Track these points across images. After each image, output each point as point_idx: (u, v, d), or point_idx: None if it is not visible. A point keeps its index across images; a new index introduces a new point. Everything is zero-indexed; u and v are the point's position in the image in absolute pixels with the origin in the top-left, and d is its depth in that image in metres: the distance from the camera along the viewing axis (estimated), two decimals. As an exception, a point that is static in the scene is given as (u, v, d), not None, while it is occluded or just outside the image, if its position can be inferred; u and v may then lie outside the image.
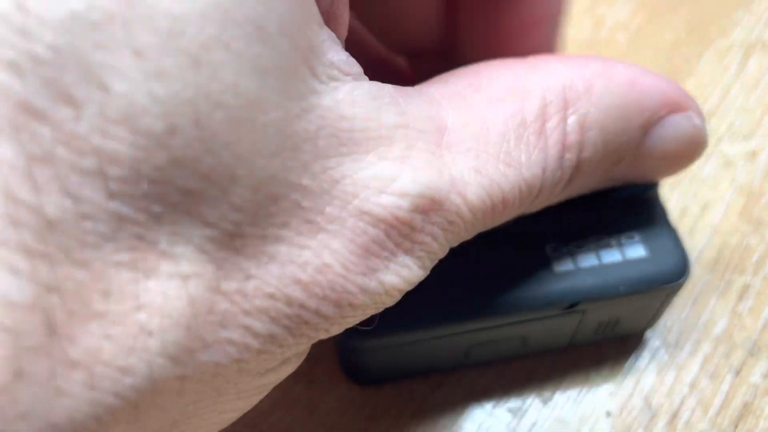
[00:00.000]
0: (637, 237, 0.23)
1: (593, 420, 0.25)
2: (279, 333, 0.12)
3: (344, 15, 0.14)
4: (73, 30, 0.09)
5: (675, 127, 0.19)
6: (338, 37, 0.14)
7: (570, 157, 0.17)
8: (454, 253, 0.23)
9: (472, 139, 0.15)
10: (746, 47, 0.34)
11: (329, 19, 0.14)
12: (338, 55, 0.13)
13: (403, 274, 0.14)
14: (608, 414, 0.25)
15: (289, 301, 0.12)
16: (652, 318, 0.25)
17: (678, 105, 0.19)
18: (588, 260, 0.22)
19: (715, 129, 0.32)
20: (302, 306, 0.13)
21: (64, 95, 0.09)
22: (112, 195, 0.09)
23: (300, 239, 0.12)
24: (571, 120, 0.17)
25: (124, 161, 0.09)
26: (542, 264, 0.22)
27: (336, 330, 0.14)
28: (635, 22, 0.36)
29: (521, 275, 0.22)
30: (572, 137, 0.17)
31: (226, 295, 0.11)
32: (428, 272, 0.16)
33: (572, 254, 0.23)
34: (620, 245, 0.23)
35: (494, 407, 0.25)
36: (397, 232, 0.14)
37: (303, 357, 0.16)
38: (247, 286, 0.11)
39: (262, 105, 0.11)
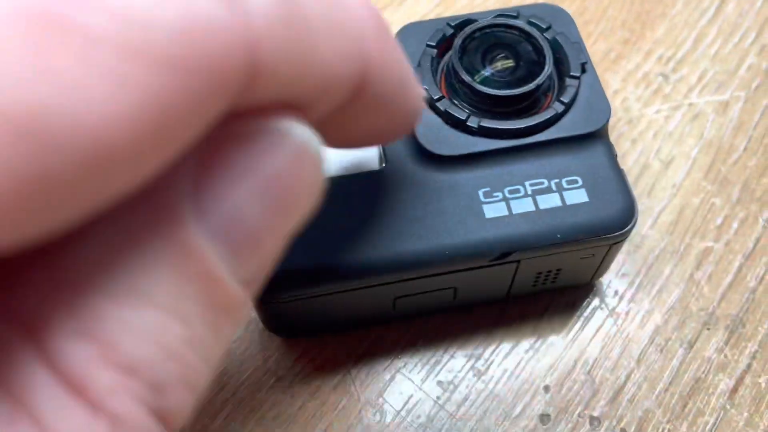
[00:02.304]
0: (579, 180, 0.21)
1: (530, 395, 0.23)
2: None
3: None
4: None
5: None
6: None
7: None
8: (374, 196, 0.21)
9: None
10: (725, -12, 0.32)
11: None
12: None
13: None
14: (546, 389, 0.23)
15: None
16: (599, 268, 0.24)
17: None
18: (523, 205, 0.21)
19: (685, 78, 0.29)
20: None
21: None
22: None
23: None
24: None
25: None
26: (472, 209, 0.21)
27: None
28: (605, -43, 0.33)
29: (449, 221, 0.21)
30: None
31: None
32: None
33: (506, 199, 0.20)
34: (560, 189, 0.21)
35: (423, 380, 0.23)
36: None
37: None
38: None
39: None
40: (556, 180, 0.21)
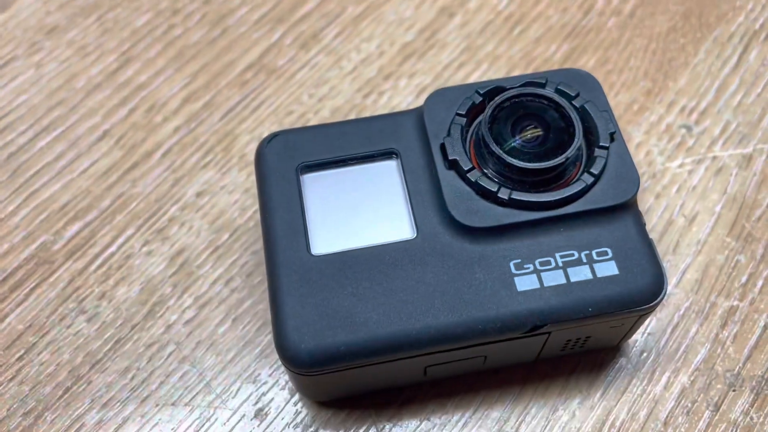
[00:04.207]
0: (610, 252, 0.22)
1: (557, 458, 0.23)
2: None
3: None
4: None
5: None
6: None
7: None
8: (406, 266, 0.22)
9: None
10: (749, 36, 0.32)
11: None
12: None
13: None
14: (573, 452, 0.23)
15: None
16: (626, 334, 0.24)
17: None
18: (555, 278, 0.21)
19: (708, 130, 0.30)
20: None
21: None
22: None
23: None
24: None
25: None
26: (504, 282, 0.21)
27: None
28: (628, 6, 0.34)
29: (480, 294, 0.21)
30: None
31: None
32: None
33: (537, 271, 0.21)
34: (591, 261, 0.22)
35: (449, 442, 0.24)
36: None
37: None
38: None
39: None
40: (587, 252, 0.22)
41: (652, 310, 0.22)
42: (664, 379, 0.25)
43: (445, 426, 0.24)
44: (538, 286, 0.21)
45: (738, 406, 0.25)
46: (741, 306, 0.26)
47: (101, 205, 0.29)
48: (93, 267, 0.27)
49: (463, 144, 0.23)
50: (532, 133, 0.23)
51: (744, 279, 0.27)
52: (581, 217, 0.22)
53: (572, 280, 0.21)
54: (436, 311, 0.21)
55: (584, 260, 0.22)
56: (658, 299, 0.21)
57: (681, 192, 0.29)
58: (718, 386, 0.25)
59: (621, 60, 0.32)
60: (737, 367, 0.25)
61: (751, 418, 0.24)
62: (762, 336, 0.26)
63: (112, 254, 0.28)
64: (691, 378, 0.25)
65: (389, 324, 0.21)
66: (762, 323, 0.26)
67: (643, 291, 0.21)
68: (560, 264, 0.22)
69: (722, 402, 0.25)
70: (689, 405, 0.25)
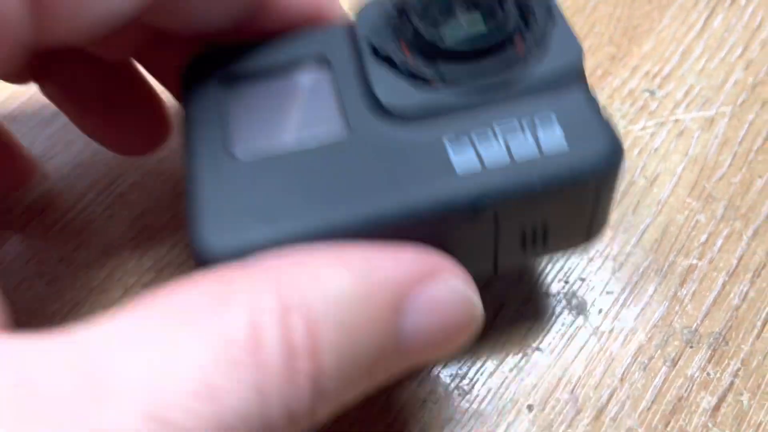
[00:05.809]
0: (553, 117, 0.20)
1: (513, 414, 0.23)
2: None
3: None
4: None
5: (431, 299, 0.17)
6: None
7: (303, 365, 0.14)
8: (336, 167, 0.20)
9: (146, 383, 0.13)
10: (714, 2, 0.32)
11: None
12: None
13: None
14: (530, 408, 0.23)
15: None
16: (589, 226, 0.22)
17: (428, 272, 0.17)
18: (494, 149, 0.19)
19: (671, 94, 0.30)
20: None
21: None
22: None
23: None
24: (294, 320, 0.15)
25: None
26: (441, 163, 0.19)
27: None
28: (593, -29, 0.33)
29: (416, 179, 0.19)
30: (299, 340, 0.14)
31: None
32: None
33: (474, 145, 0.20)
34: (533, 128, 0.20)
35: (408, 399, 0.24)
36: None
37: None
38: None
39: None
40: (528, 119, 0.20)
41: (608, 179, 0.20)
42: (621, 336, 0.25)
43: (397, 383, 0.24)
44: (474, 156, 0.19)
45: (695, 362, 0.25)
46: (700, 264, 0.26)
47: (62, 172, 0.29)
48: (54, 230, 0.28)
49: (395, 37, 0.22)
50: (465, 15, 0.22)
51: (704, 238, 0.27)
52: (522, 93, 0.20)
53: (513, 150, 0.19)
54: (368, 199, 0.19)
55: (526, 128, 0.20)
56: (615, 163, 0.19)
57: (642, 154, 0.29)
58: (676, 343, 0.25)
59: (586, 26, 0.32)
60: (695, 324, 0.25)
61: (708, 374, 0.24)
62: (720, 293, 0.26)
63: (73, 219, 0.28)
64: (649, 335, 0.25)
65: (316, 214, 0.19)
66: (720, 281, 0.26)
67: (595, 156, 0.19)
68: (498, 134, 0.20)
69: (679, 358, 0.25)
70: (646, 361, 0.25)
